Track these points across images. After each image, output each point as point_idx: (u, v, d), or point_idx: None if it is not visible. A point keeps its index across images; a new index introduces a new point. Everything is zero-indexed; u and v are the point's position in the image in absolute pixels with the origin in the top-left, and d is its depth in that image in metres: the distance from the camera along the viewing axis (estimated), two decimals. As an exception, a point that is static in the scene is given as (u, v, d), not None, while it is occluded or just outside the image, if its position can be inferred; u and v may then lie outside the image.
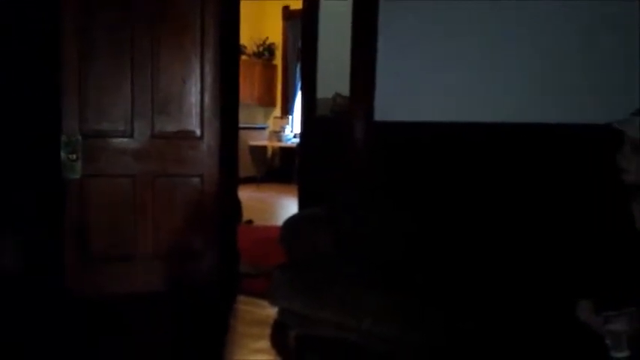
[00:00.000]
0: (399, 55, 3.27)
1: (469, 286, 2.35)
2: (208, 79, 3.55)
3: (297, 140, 8.70)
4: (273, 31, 10.10)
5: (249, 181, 9.10)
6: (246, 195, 6.41)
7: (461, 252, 2.60)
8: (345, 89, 3.59)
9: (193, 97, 3.55)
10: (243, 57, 9.07)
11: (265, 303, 2.83)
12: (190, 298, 3.49)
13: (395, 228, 2.80)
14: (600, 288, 1.89)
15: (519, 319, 2.05)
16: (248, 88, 9.41)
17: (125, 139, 3.47)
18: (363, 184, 3.16)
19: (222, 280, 3.68)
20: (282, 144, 9.78)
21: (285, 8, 9.84)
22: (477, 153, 2.92)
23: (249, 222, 6.16)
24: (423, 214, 2.79)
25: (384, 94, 3.32)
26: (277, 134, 9.94)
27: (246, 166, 8.86)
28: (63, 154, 3.31)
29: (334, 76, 3.90)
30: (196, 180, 3.58)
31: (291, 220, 2.93)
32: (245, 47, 9.23)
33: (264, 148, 10.05)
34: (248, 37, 9.18)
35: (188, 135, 3.57)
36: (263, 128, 10.23)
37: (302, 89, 4.43)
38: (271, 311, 2.94)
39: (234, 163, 4.03)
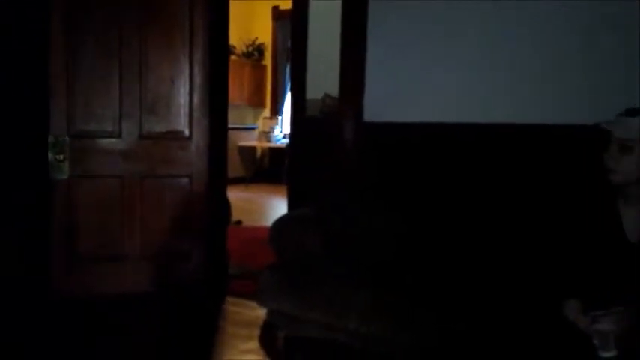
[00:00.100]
0: (388, 55, 3.27)
1: (458, 286, 2.36)
2: (197, 80, 3.53)
3: (286, 141, 8.70)
4: (262, 31, 10.09)
5: (239, 181, 9.08)
6: (235, 196, 6.40)
7: (450, 252, 2.61)
8: (334, 90, 3.59)
9: (182, 97, 3.53)
10: (233, 57, 9.05)
11: (254, 304, 2.83)
12: (179, 299, 3.47)
13: (384, 229, 2.80)
14: (588, 288, 1.90)
15: (508, 319, 2.06)
16: (237, 89, 9.39)
17: (113, 140, 3.45)
18: (353, 184, 3.16)
19: (211, 280, 3.67)
20: (272, 144, 9.77)
21: (275, 8, 9.83)
22: (466, 153, 2.92)
23: (238, 223, 6.14)
24: (412, 215, 2.80)
25: (373, 94, 3.32)
26: (266, 135, 9.93)
27: (235, 166, 8.85)
28: (50, 155, 3.29)
29: (324, 76, 3.90)
30: (185, 181, 3.57)
31: (280, 221, 2.92)
32: (234, 47, 9.22)
33: (254, 148, 10.04)
34: (237, 37, 9.17)
35: (177, 135, 3.55)
36: (252, 129, 10.22)
37: (291, 90, 4.42)
38: (260, 312, 2.93)
39: (223, 163, 4.02)
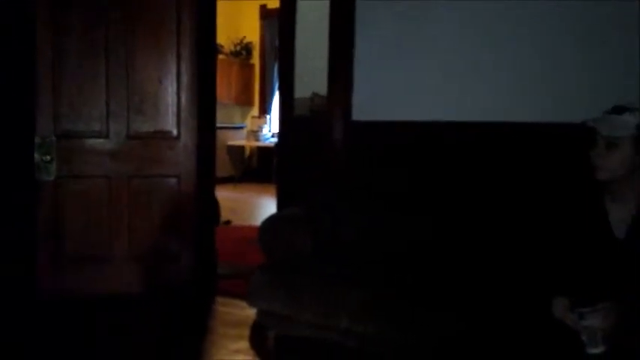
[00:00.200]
0: (376, 54, 3.27)
1: (449, 284, 2.37)
2: (185, 79, 3.52)
3: (275, 140, 8.68)
4: (250, 30, 10.07)
5: (227, 181, 9.06)
6: (224, 195, 6.38)
7: (440, 251, 2.62)
8: (323, 89, 3.59)
9: (170, 97, 3.52)
10: (221, 56, 9.03)
11: (244, 304, 2.82)
12: (168, 300, 3.46)
13: (373, 227, 2.81)
14: (575, 285, 1.91)
15: (498, 317, 2.07)
16: (225, 88, 9.36)
17: (100, 140, 3.43)
18: (342, 183, 3.16)
19: (200, 280, 3.66)
20: (260, 143, 9.75)
21: (262, 7, 9.81)
22: (455, 152, 2.94)
23: (227, 222, 6.13)
24: (401, 213, 2.80)
25: (361, 93, 3.32)
26: (255, 134, 9.90)
27: (223, 165, 8.83)
28: (37, 156, 3.26)
29: (312, 75, 3.89)
30: (173, 180, 3.55)
31: (269, 221, 2.91)
32: (222, 46, 9.19)
33: (242, 147, 10.01)
34: (225, 36, 9.14)
35: (165, 135, 3.54)
36: (241, 128, 10.19)
37: (279, 89, 4.41)
38: (250, 312, 2.93)
39: (212, 163, 4.00)
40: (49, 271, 3.36)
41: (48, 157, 3.27)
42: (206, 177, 3.80)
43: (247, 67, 10.28)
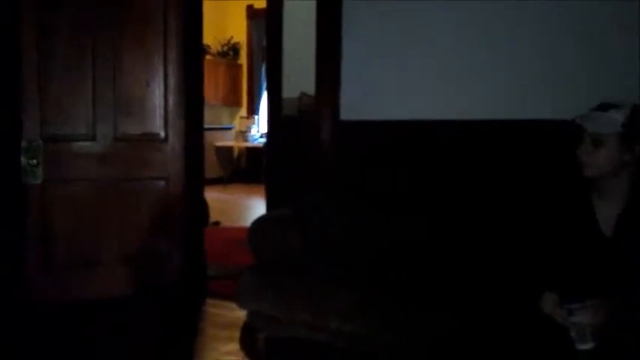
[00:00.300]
0: (364, 53, 3.27)
1: (439, 283, 2.37)
2: (172, 81, 3.50)
3: (263, 140, 8.67)
4: (237, 30, 10.04)
5: (216, 182, 9.04)
6: (213, 196, 6.37)
7: (430, 249, 2.62)
8: (311, 89, 3.59)
9: (157, 98, 3.50)
10: (208, 57, 9.00)
11: (234, 305, 2.81)
12: (157, 302, 3.44)
13: (363, 227, 2.81)
14: (564, 281, 1.92)
15: (488, 315, 2.08)
16: (213, 89, 9.34)
17: (88, 143, 3.40)
18: (330, 183, 3.16)
19: (190, 282, 3.65)
20: (249, 144, 9.74)
21: (249, 7, 9.79)
22: (443, 150, 2.94)
23: (217, 223, 6.12)
24: (390, 212, 2.80)
25: (349, 93, 3.32)
26: (243, 134, 9.89)
27: (212, 167, 8.80)
28: (23, 160, 3.23)
29: (300, 75, 3.89)
30: (161, 183, 3.54)
31: (259, 222, 2.91)
32: (209, 47, 9.16)
33: (231, 148, 9.99)
34: (212, 36, 9.11)
35: (152, 137, 3.52)
36: (229, 128, 10.17)
37: (267, 89, 4.41)
38: (240, 313, 2.92)
39: (200, 164, 3.99)
40: (38, 274, 3.32)
41: (34, 161, 3.24)
42: (194, 178, 3.79)
43: (235, 67, 10.25)
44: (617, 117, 1.89)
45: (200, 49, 4.02)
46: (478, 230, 2.57)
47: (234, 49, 10.12)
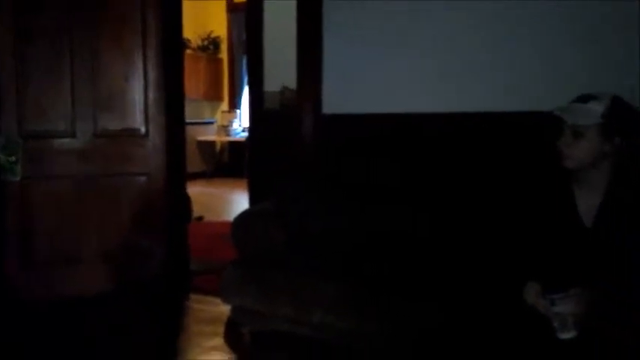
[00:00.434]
0: (345, 47, 3.26)
1: (421, 274, 2.38)
2: (152, 76, 3.49)
3: (246, 134, 8.64)
4: (217, 24, 9.97)
5: (199, 176, 8.99)
6: (196, 191, 6.33)
7: (411, 241, 2.63)
8: (293, 82, 3.57)
9: (137, 94, 3.48)
10: (188, 51, 8.92)
11: (218, 300, 2.80)
12: (140, 298, 3.42)
13: (342, 219, 2.80)
14: (546, 271, 1.94)
15: (471, 306, 2.09)
16: (194, 83, 9.26)
17: (67, 139, 3.39)
18: (312, 176, 3.16)
19: (173, 278, 3.63)
20: (231, 138, 9.70)
21: (229, 1, 9.73)
22: (424, 142, 2.95)
23: (200, 218, 6.08)
24: (370, 204, 2.81)
25: (331, 86, 3.31)
26: (226, 128, 9.85)
27: (194, 161, 8.76)
28: (2, 157, 3.20)
29: (282, 69, 3.88)
30: (143, 178, 3.52)
31: (242, 216, 2.90)
32: (189, 41, 9.09)
33: (213, 143, 9.95)
34: (192, 30, 9.03)
35: (133, 133, 3.50)
36: (211, 123, 10.12)
37: (249, 83, 4.39)
38: (224, 308, 2.90)
39: (182, 159, 3.97)
40: (18, 272, 3.30)
41: (13, 158, 3.21)
42: (176, 173, 3.77)
43: (215, 61, 10.19)
44: (597, 108, 1.90)
45: (180, 44, 3.99)
46: (459, 222, 2.58)
47: (215, 43, 10.05)
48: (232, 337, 2.90)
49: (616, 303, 1.80)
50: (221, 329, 3.05)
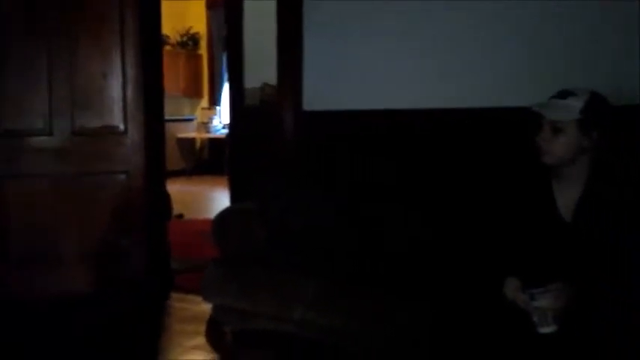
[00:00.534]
0: (326, 43, 3.25)
1: (402, 271, 2.39)
2: (130, 73, 3.45)
3: (226, 131, 8.59)
4: (196, 20, 9.89)
5: (179, 174, 8.93)
6: (176, 188, 6.29)
7: (392, 237, 2.63)
8: (273, 79, 3.56)
9: (115, 91, 3.44)
10: (167, 47, 8.84)
11: (199, 298, 2.79)
12: (120, 297, 3.39)
13: (324, 216, 2.80)
14: (526, 266, 1.95)
15: (452, 301, 2.10)
16: (173, 80, 9.17)
17: (44, 138, 3.35)
18: (293, 173, 3.15)
19: (154, 276, 3.60)
20: (211, 135, 9.64)
21: (209, -3, 9.65)
22: (404, 138, 2.95)
23: (180, 216, 6.05)
24: (351, 201, 2.80)
25: (312, 83, 3.30)
26: (205, 125, 9.78)
27: (174, 159, 8.69)
28: (-24, 155, 3.15)
29: (262, 65, 3.86)
30: (122, 176, 3.49)
31: (222, 214, 2.88)
32: (168, 37, 9.00)
33: (193, 140, 9.89)
34: (171, 26, 8.94)
35: (112, 130, 3.46)
36: (190, 120, 10.05)
37: (229, 79, 4.37)
38: (206, 307, 2.90)
39: (161, 156, 3.94)
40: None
41: (-11, 157, 3.17)
42: (156, 171, 3.74)
43: (195, 57, 10.11)
44: (576, 104, 1.92)
45: (159, 41, 3.96)
46: (439, 217, 2.59)
47: (194, 39, 9.97)
48: (214, 335, 2.89)
49: (610, 302, 1.81)
50: (203, 328, 3.04)
